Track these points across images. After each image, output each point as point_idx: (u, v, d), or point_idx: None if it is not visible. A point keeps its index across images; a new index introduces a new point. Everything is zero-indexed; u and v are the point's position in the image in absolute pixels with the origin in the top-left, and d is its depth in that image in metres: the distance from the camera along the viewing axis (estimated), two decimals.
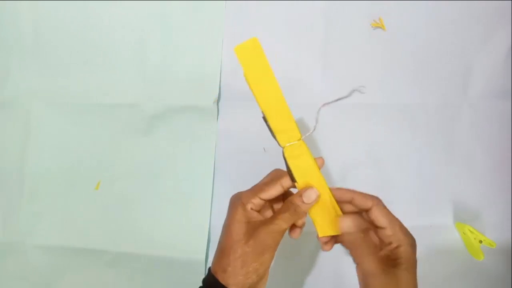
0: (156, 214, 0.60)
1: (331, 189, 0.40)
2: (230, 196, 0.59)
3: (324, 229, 0.41)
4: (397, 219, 0.39)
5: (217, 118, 0.60)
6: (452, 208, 0.59)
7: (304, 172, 0.40)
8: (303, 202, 0.38)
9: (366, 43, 0.60)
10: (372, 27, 0.60)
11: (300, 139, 0.40)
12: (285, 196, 0.42)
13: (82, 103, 0.61)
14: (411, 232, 0.39)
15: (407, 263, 0.37)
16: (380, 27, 0.59)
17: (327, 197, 0.40)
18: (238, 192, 0.42)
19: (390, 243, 0.38)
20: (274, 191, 0.40)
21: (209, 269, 0.40)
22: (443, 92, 0.60)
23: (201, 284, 0.40)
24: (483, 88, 0.60)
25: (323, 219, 0.40)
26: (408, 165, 0.60)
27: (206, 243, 0.59)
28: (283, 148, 0.40)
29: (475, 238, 0.56)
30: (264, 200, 0.40)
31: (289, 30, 0.60)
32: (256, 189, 0.40)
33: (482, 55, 0.60)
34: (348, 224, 0.39)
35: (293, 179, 0.40)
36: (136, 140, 0.61)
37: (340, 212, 0.41)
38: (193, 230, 0.60)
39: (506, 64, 0.60)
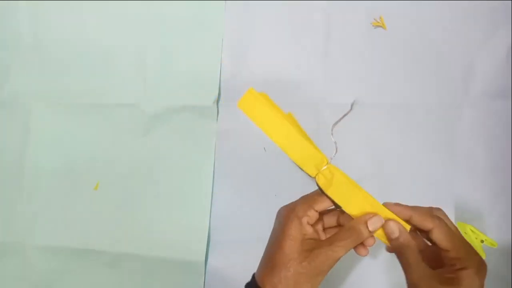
0: (156, 214, 0.60)
1: (388, 205, 0.39)
2: (230, 195, 0.60)
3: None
4: (463, 239, 0.36)
5: (217, 118, 0.60)
6: (453, 208, 0.59)
7: (345, 193, 0.38)
8: (367, 229, 0.37)
9: (366, 43, 0.60)
10: (372, 26, 0.60)
11: (328, 163, 0.39)
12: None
13: (82, 103, 0.61)
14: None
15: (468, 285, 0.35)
16: (381, 26, 0.59)
17: (377, 207, 0.38)
18: (289, 204, 0.40)
19: (453, 265, 0.36)
20: (328, 202, 0.38)
21: (253, 277, 0.38)
22: (443, 92, 0.60)
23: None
24: (483, 88, 0.60)
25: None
26: (408, 165, 0.60)
27: (205, 244, 0.59)
28: (316, 179, 0.39)
29: (476, 238, 0.55)
30: (318, 211, 0.38)
31: (289, 30, 0.60)
32: (310, 200, 0.38)
33: (482, 55, 0.60)
34: (392, 228, 0.37)
35: (337, 206, 0.38)
36: (136, 140, 0.61)
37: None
38: (192, 231, 0.59)
39: (506, 64, 0.60)
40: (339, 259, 0.37)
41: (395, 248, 0.37)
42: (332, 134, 0.41)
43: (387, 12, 0.59)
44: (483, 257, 0.55)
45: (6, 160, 0.62)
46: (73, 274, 0.60)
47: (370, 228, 0.37)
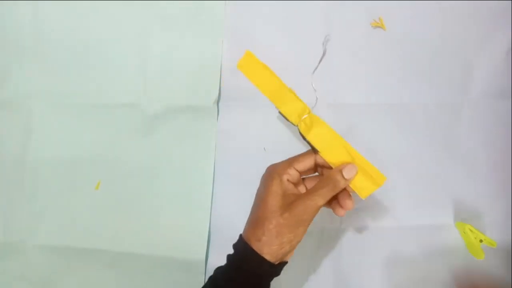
0: (156, 214, 0.60)
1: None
2: (230, 196, 0.60)
3: (365, 189, 0.40)
4: None
5: (217, 118, 0.60)
6: (452, 208, 0.59)
7: (323, 139, 0.41)
8: (343, 177, 0.38)
9: (366, 43, 0.60)
10: (372, 26, 0.60)
11: (309, 112, 0.43)
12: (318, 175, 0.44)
13: (82, 103, 0.61)
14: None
15: None
16: (380, 27, 0.59)
17: (355, 155, 0.41)
18: (273, 164, 0.42)
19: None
20: (308, 161, 0.41)
21: (240, 236, 0.41)
22: (443, 92, 0.60)
23: (231, 252, 0.41)
24: (483, 88, 0.60)
25: (361, 180, 0.40)
26: (408, 165, 0.60)
27: (206, 243, 0.59)
28: (298, 127, 0.43)
29: (475, 238, 0.55)
30: (299, 172, 0.41)
31: (289, 30, 0.60)
32: (291, 160, 0.41)
33: (482, 55, 0.60)
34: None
35: (315, 151, 0.41)
36: (136, 140, 0.61)
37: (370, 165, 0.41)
38: (193, 230, 0.59)
39: (506, 64, 0.60)
40: (318, 208, 0.38)
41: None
42: (312, 83, 0.47)
43: (387, 13, 0.59)
44: (482, 257, 0.55)
45: (6, 160, 0.62)
46: (73, 274, 0.60)
47: (346, 176, 0.39)
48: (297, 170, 0.41)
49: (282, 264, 0.41)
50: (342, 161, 0.41)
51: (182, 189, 0.60)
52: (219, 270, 0.43)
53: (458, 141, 0.60)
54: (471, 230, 0.56)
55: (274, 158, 0.60)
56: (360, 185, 0.41)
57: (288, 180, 0.40)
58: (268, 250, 0.38)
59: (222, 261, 0.60)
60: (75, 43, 0.61)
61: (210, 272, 0.58)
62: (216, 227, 0.60)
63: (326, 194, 0.39)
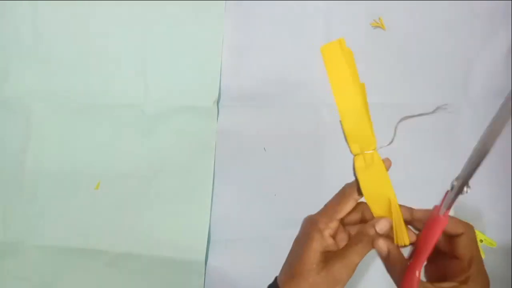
0: (156, 214, 0.60)
1: (417, 211, 0.39)
2: (230, 196, 0.60)
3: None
4: (479, 251, 0.37)
5: (217, 118, 0.60)
6: (452, 208, 0.59)
7: (375, 185, 0.38)
8: (376, 232, 0.37)
9: (366, 43, 0.60)
10: (372, 27, 0.60)
11: (375, 149, 0.38)
12: (362, 220, 0.41)
13: (82, 103, 0.61)
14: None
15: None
16: (380, 27, 0.59)
17: (394, 211, 0.38)
18: (312, 215, 0.40)
19: (456, 277, 0.36)
20: (347, 206, 0.39)
21: (275, 279, 0.39)
22: (443, 92, 0.60)
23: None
24: (483, 88, 0.60)
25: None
26: (408, 165, 0.60)
27: (206, 243, 0.59)
28: (354, 156, 0.38)
29: None
30: (339, 220, 0.39)
31: (289, 30, 0.60)
32: (330, 211, 0.39)
33: (482, 55, 0.60)
34: (380, 246, 0.37)
35: (359, 192, 0.38)
36: (136, 140, 0.61)
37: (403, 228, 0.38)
38: (193, 230, 0.59)
39: (506, 64, 0.60)
40: (355, 265, 0.37)
41: (387, 266, 0.37)
42: (396, 126, 0.40)
43: (387, 13, 0.59)
44: (482, 257, 0.55)
45: (6, 160, 0.62)
46: (73, 274, 0.60)
47: (378, 230, 0.37)
48: (337, 220, 0.39)
49: None
50: (382, 213, 0.38)
51: (182, 189, 0.60)
52: None
53: (458, 140, 0.60)
54: None
55: (274, 158, 0.60)
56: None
57: (329, 234, 0.38)
58: None
59: (222, 261, 0.60)
60: (75, 43, 0.61)
61: (210, 272, 0.58)
62: (216, 227, 0.60)
63: (361, 251, 0.37)
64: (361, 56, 0.60)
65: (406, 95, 0.60)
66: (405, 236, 0.37)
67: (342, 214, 0.39)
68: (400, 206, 0.39)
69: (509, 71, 0.59)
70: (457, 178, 0.36)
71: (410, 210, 0.40)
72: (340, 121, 0.38)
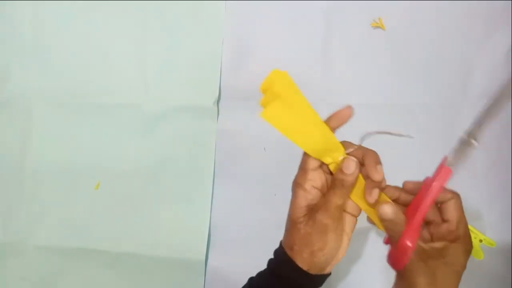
0: (156, 214, 0.60)
1: (407, 182, 0.42)
2: (230, 195, 0.60)
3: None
4: (465, 217, 0.39)
5: (217, 118, 0.60)
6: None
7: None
8: (344, 174, 0.38)
9: (366, 43, 0.60)
10: (372, 27, 0.60)
11: (344, 154, 0.40)
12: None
13: (82, 103, 0.61)
14: None
15: (452, 259, 0.37)
16: (380, 27, 0.59)
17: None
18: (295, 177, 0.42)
19: (444, 238, 0.38)
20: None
21: (280, 242, 0.41)
22: (443, 92, 0.60)
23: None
24: (483, 88, 0.60)
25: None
26: (408, 165, 0.60)
27: (206, 243, 0.59)
28: (328, 165, 0.40)
29: (475, 238, 0.56)
30: (315, 170, 0.40)
31: (289, 30, 0.60)
32: (303, 165, 0.41)
33: (482, 55, 0.60)
34: (385, 209, 0.38)
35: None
36: (136, 140, 0.61)
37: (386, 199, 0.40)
38: (193, 230, 0.60)
39: (506, 64, 0.60)
40: (337, 208, 0.38)
41: (387, 227, 0.39)
42: (362, 140, 0.42)
43: (387, 13, 0.59)
44: (482, 257, 0.55)
45: (7, 160, 0.62)
46: (73, 274, 0.60)
47: (345, 171, 0.38)
48: (314, 170, 0.40)
49: (323, 276, 0.40)
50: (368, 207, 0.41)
51: (182, 189, 0.60)
52: (259, 274, 0.43)
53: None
54: (471, 230, 0.56)
55: (274, 158, 0.60)
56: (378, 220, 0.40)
57: (312, 186, 0.40)
58: (301, 259, 0.38)
59: (222, 261, 0.60)
60: (75, 43, 0.61)
61: (210, 272, 0.58)
62: (216, 227, 0.60)
63: (338, 193, 0.39)
64: (361, 56, 0.60)
65: (406, 95, 0.60)
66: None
67: (312, 164, 0.40)
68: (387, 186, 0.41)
69: (509, 71, 0.59)
70: (466, 132, 0.39)
71: (398, 188, 0.42)
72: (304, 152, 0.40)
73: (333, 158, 0.40)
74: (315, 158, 0.40)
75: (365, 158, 0.40)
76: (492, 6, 0.59)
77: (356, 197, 0.41)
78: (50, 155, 0.61)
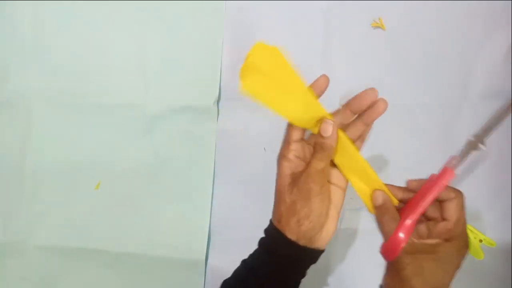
0: (156, 214, 0.60)
1: (411, 181, 0.42)
2: (230, 195, 0.60)
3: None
4: (465, 218, 0.39)
5: (217, 118, 0.60)
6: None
7: (343, 155, 0.41)
8: (323, 137, 0.39)
9: (366, 43, 0.60)
10: (372, 27, 0.60)
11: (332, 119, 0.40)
12: None
13: (82, 103, 0.61)
14: None
15: (443, 257, 0.38)
16: (380, 27, 0.59)
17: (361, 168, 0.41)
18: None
19: (439, 236, 0.38)
20: (295, 128, 0.41)
21: (270, 220, 0.42)
22: (443, 92, 0.60)
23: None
24: (483, 88, 0.60)
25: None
26: (407, 165, 0.60)
27: (206, 243, 0.59)
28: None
29: (475, 237, 0.56)
30: (298, 141, 0.41)
31: (289, 30, 0.60)
32: (286, 137, 0.41)
33: (482, 55, 0.60)
34: (376, 195, 0.40)
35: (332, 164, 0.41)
36: (136, 140, 0.61)
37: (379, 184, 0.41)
38: (193, 230, 0.60)
39: (506, 64, 0.60)
40: (319, 172, 0.39)
41: (378, 214, 0.41)
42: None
43: (386, 13, 0.59)
44: (482, 257, 0.55)
45: (7, 160, 0.61)
46: (73, 274, 0.60)
47: (323, 134, 0.39)
48: (296, 141, 0.41)
49: (315, 250, 0.40)
50: (359, 178, 0.42)
51: (182, 189, 0.60)
52: (251, 254, 0.43)
53: (458, 141, 0.60)
54: (470, 230, 0.56)
55: (274, 158, 0.60)
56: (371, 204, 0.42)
57: (295, 155, 0.41)
58: (288, 229, 0.39)
59: (222, 261, 0.60)
60: (75, 43, 0.61)
61: (210, 272, 0.58)
62: (216, 227, 0.60)
63: (319, 157, 0.39)
64: (361, 56, 0.60)
65: (406, 95, 0.60)
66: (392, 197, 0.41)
67: (296, 134, 0.41)
68: (388, 185, 0.42)
69: (509, 71, 0.60)
70: (474, 135, 0.41)
71: (401, 188, 0.43)
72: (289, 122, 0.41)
73: (318, 126, 0.40)
74: (298, 130, 0.41)
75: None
76: (492, 6, 0.59)
77: (348, 171, 0.41)
78: (50, 155, 0.61)
